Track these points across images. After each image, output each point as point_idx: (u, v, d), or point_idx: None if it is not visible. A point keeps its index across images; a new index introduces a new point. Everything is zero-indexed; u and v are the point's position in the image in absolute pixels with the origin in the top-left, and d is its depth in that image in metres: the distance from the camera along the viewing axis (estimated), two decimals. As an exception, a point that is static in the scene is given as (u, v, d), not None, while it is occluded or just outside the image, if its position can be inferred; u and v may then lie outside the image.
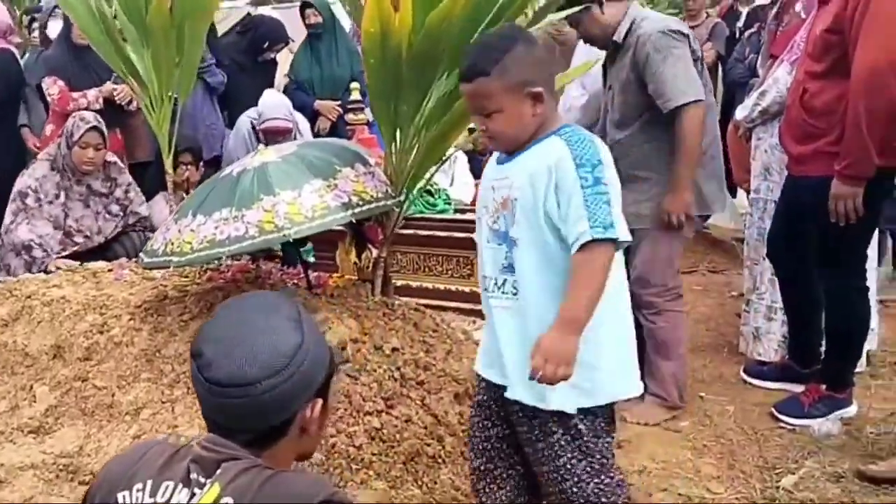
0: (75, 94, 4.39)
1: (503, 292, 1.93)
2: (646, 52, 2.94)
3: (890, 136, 2.65)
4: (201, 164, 4.42)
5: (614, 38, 3.07)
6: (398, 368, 2.67)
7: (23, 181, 3.87)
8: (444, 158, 2.95)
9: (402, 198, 2.83)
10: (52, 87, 4.41)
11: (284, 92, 5.63)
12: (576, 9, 3.16)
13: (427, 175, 2.95)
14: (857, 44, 2.59)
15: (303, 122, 4.89)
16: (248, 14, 6.00)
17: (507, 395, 1.95)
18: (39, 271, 3.63)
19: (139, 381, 2.65)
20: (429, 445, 2.51)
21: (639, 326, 3.20)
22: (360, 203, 2.56)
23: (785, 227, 3.05)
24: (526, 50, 1.83)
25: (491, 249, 1.94)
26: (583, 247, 1.73)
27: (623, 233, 1.76)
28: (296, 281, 3.01)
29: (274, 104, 4.53)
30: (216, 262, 2.88)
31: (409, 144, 2.80)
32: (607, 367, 1.89)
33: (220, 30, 9.43)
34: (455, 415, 2.64)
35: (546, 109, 1.85)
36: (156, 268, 2.62)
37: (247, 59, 5.34)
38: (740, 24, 5.38)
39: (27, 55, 5.05)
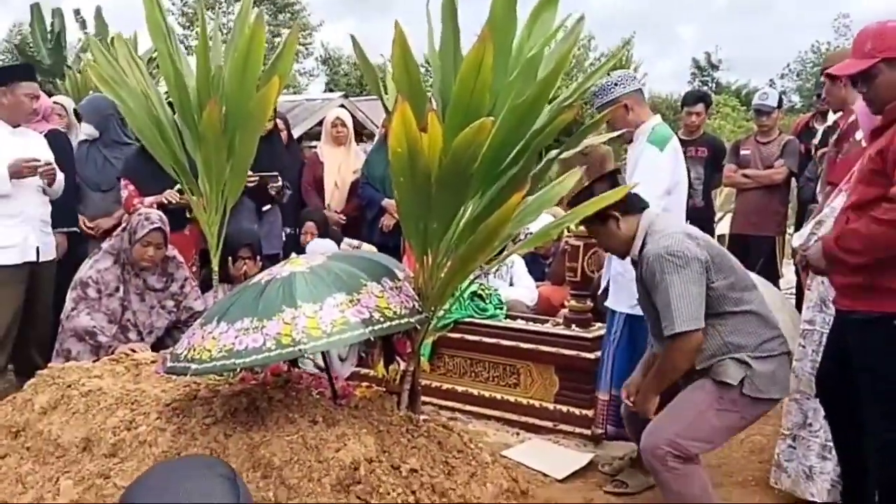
0: (135, 200, 4.62)
1: None
2: (649, 274, 2.89)
3: None
4: (259, 258, 4.51)
5: (630, 255, 3.05)
6: (413, 492, 2.58)
7: (85, 271, 3.97)
8: (473, 276, 2.91)
9: (429, 314, 2.80)
10: (123, 189, 4.70)
11: (354, 186, 5.78)
12: None
13: (456, 292, 2.91)
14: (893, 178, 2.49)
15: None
16: (338, 112, 6.12)
17: None
18: (106, 355, 3.69)
19: (157, 484, 2.66)
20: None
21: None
22: (382, 320, 2.54)
23: (833, 367, 2.86)
24: None
25: None
26: None
27: None
28: (322, 390, 2.99)
29: (316, 249, 4.63)
30: (230, 372, 2.90)
31: (439, 261, 2.79)
32: None
33: (314, 121, 9.78)
34: (468, 546, 2.54)
35: None
36: (175, 373, 2.64)
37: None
38: (816, 141, 5.20)
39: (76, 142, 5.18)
